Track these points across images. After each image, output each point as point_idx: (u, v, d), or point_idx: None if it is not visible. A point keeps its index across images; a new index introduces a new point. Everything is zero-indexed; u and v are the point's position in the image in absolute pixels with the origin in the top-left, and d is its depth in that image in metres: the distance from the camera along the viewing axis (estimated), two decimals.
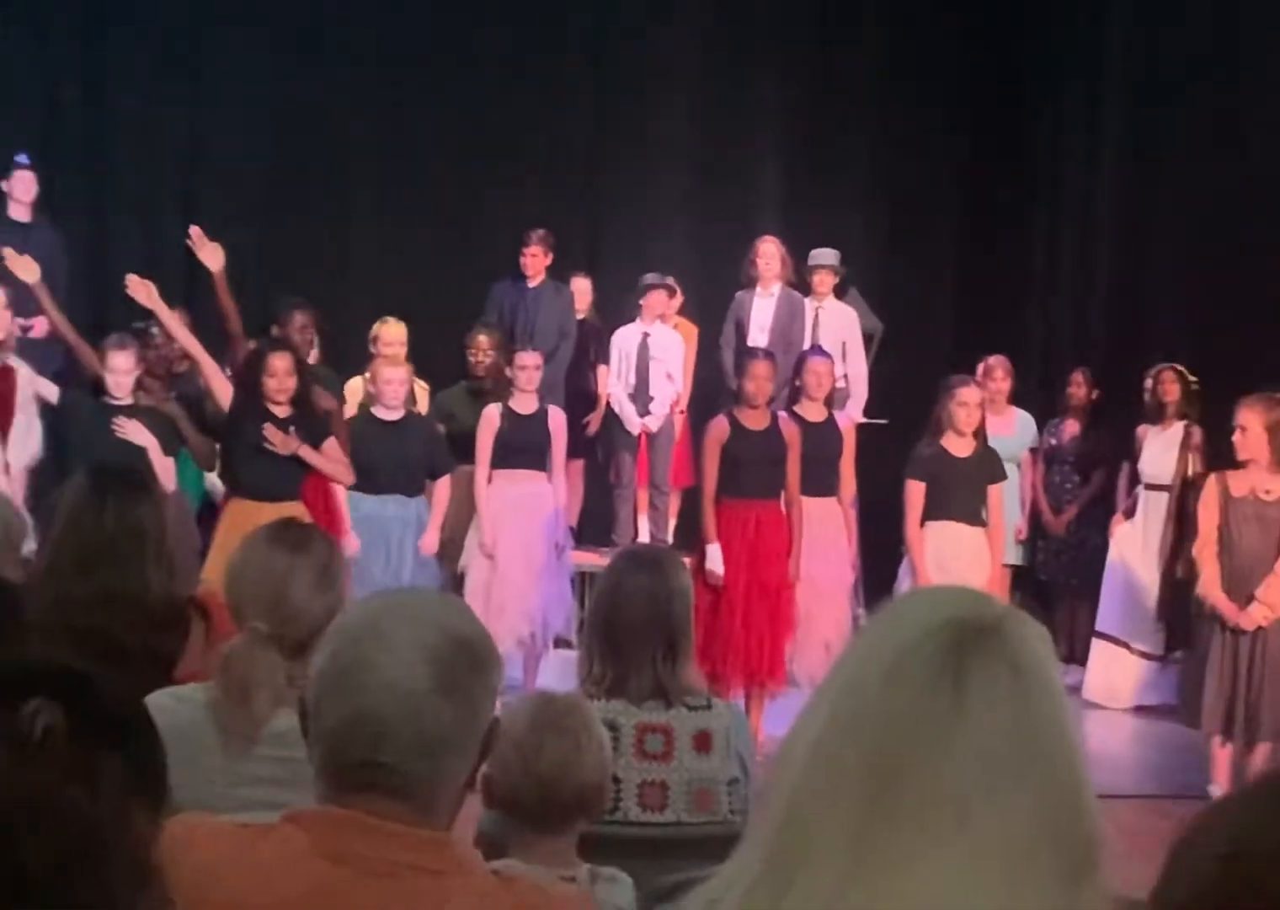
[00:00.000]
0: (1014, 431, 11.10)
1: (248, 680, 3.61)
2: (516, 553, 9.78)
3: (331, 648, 2.28)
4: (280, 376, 8.63)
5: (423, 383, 10.64)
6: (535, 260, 11.84)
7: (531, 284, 11.90)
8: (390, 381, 9.76)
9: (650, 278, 12.13)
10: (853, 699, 1.75)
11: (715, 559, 9.09)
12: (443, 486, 9.82)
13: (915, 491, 9.28)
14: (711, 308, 12.54)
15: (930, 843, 1.66)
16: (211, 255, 9.25)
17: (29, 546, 5.13)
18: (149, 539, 4.36)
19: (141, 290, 8.93)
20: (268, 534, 3.85)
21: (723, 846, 1.84)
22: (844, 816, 1.69)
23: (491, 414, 9.89)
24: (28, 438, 8.60)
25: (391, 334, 10.41)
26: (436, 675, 2.21)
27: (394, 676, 2.19)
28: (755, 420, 9.28)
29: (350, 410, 9.98)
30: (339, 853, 2.18)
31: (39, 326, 10.65)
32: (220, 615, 4.33)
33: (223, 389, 8.87)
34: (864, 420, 11.58)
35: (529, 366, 10.05)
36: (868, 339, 12.30)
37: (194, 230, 9.32)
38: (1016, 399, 11.41)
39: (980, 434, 9.37)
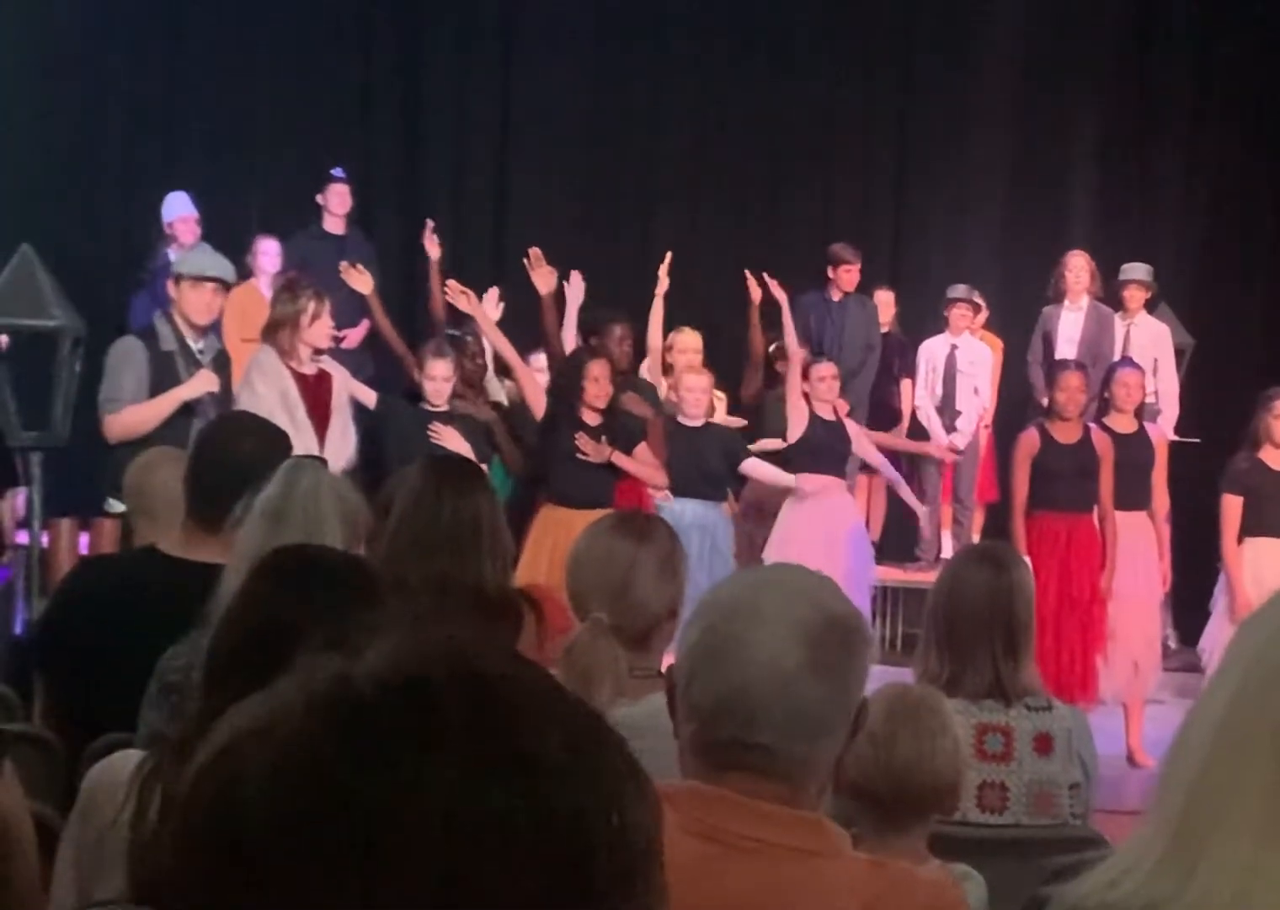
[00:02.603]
0: None
1: (590, 670, 3.60)
2: (818, 564, 9.72)
3: (705, 623, 2.26)
4: (600, 382, 8.75)
5: (720, 393, 10.68)
6: (851, 275, 11.80)
7: (837, 297, 11.86)
8: (692, 389, 9.83)
9: (957, 290, 12.04)
10: (1262, 674, 1.72)
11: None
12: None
13: (1232, 506, 9.05)
14: (1016, 322, 12.40)
15: None
16: (544, 278, 9.54)
17: None
18: (484, 530, 4.39)
19: (462, 298, 9.14)
20: (611, 523, 3.87)
21: (1062, 850, 1.82)
22: (1256, 790, 1.67)
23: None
24: (343, 442, 8.76)
25: (686, 341, 10.49)
26: (811, 654, 2.19)
27: (769, 654, 2.18)
28: (1066, 433, 9.14)
29: None
30: (710, 830, 2.17)
31: (352, 337, 10.92)
32: (551, 608, 4.38)
33: (537, 397, 9.01)
34: (1176, 438, 11.33)
35: (826, 377, 10.08)
36: (1179, 355, 12.07)
37: (533, 251, 9.57)
38: None
39: None
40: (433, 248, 10.46)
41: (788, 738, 2.18)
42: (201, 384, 7.66)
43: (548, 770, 0.97)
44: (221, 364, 7.95)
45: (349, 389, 8.80)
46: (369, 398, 9.16)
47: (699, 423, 9.83)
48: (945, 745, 3.35)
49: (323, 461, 4.47)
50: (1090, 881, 1.78)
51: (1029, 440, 9.20)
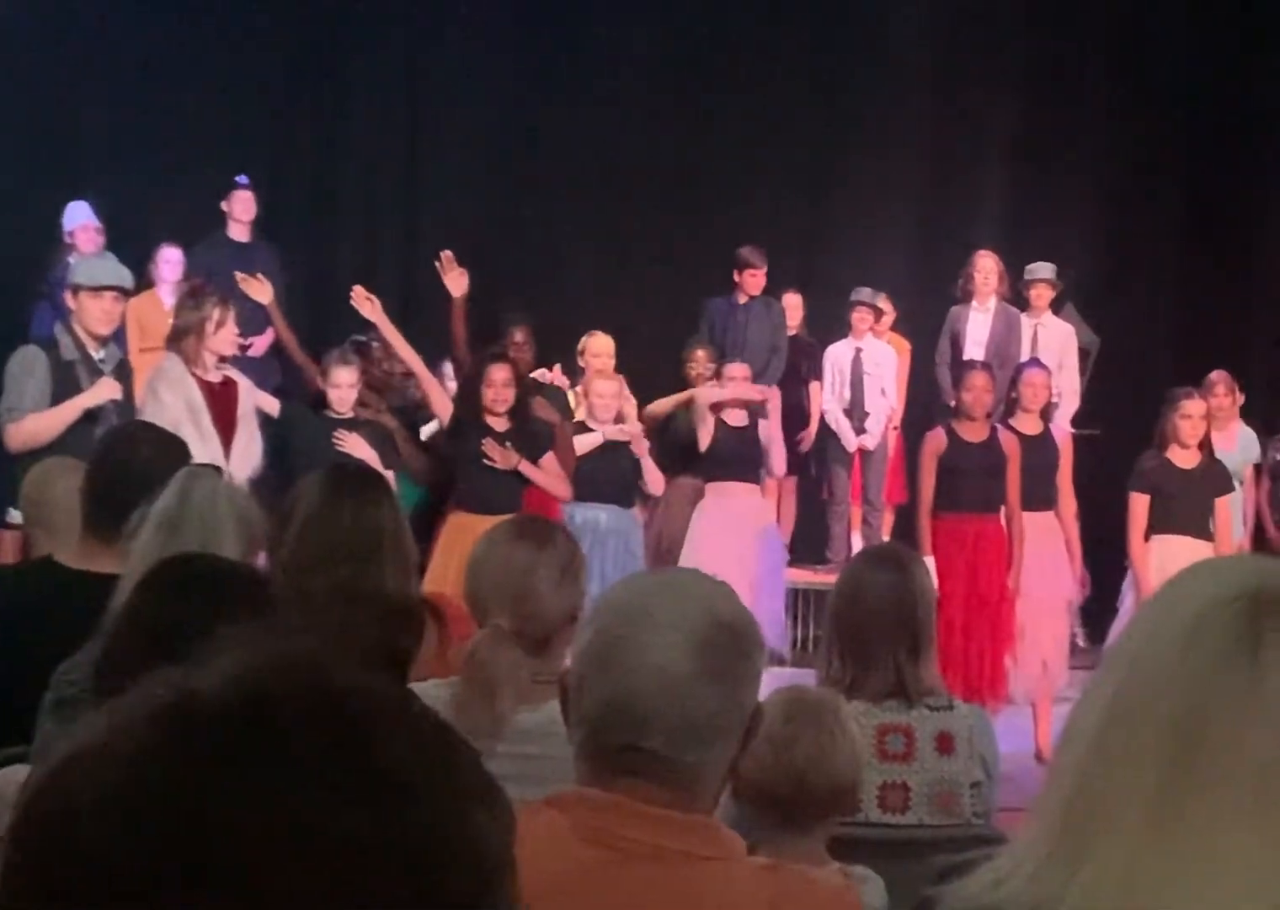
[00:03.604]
0: (1236, 447, 10.89)
1: (492, 677, 3.60)
2: (730, 567, 9.74)
3: (596, 627, 2.25)
4: (498, 387, 8.74)
5: (632, 397, 10.68)
6: (757, 279, 11.83)
7: (743, 300, 11.88)
8: (602, 394, 9.85)
9: (860, 293, 12.09)
10: (1147, 668, 1.72)
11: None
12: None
13: (1139, 504, 9.13)
14: (925, 323, 12.45)
15: (1231, 815, 1.63)
16: (456, 280, 9.47)
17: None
18: (386, 538, 4.37)
19: (366, 304, 9.10)
20: (510, 529, 3.86)
21: (964, 849, 1.81)
22: (1140, 788, 1.67)
23: None
24: (249, 450, 8.70)
25: (599, 346, 10.49)
26: (703, 659, 2.17)
27: (661, 658, 2.16)
28: (973, 432, 9.19)
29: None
30: (603, 836, 2.15)
31: (258, 345, 10.85)
32: (453, 617, 4.36)
33: (442, 404, 8.99)
34: (1074, 431, 11.40)
35: (738, 378, 10.12)
36: (1084, 354, 12.15)
37: (445, 254, 9.52)
38: (1240, 414, 11.19)
39: (1206, 446, 9.20)
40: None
41: (680, 743, 2.16)
42: (104, 392, 7.59)
43: (396, 785, 0.95)
44: (123, 373, 7.89)
45: (254, 398, 8.74)
46: (273, 406, 9.10)
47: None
48: (844, 746, 3.36)
49: (219, 470, 4.43)
50: (975, 882, 1.77)
51: (936, 440, 9.24)
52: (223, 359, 8.36)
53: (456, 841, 0.96)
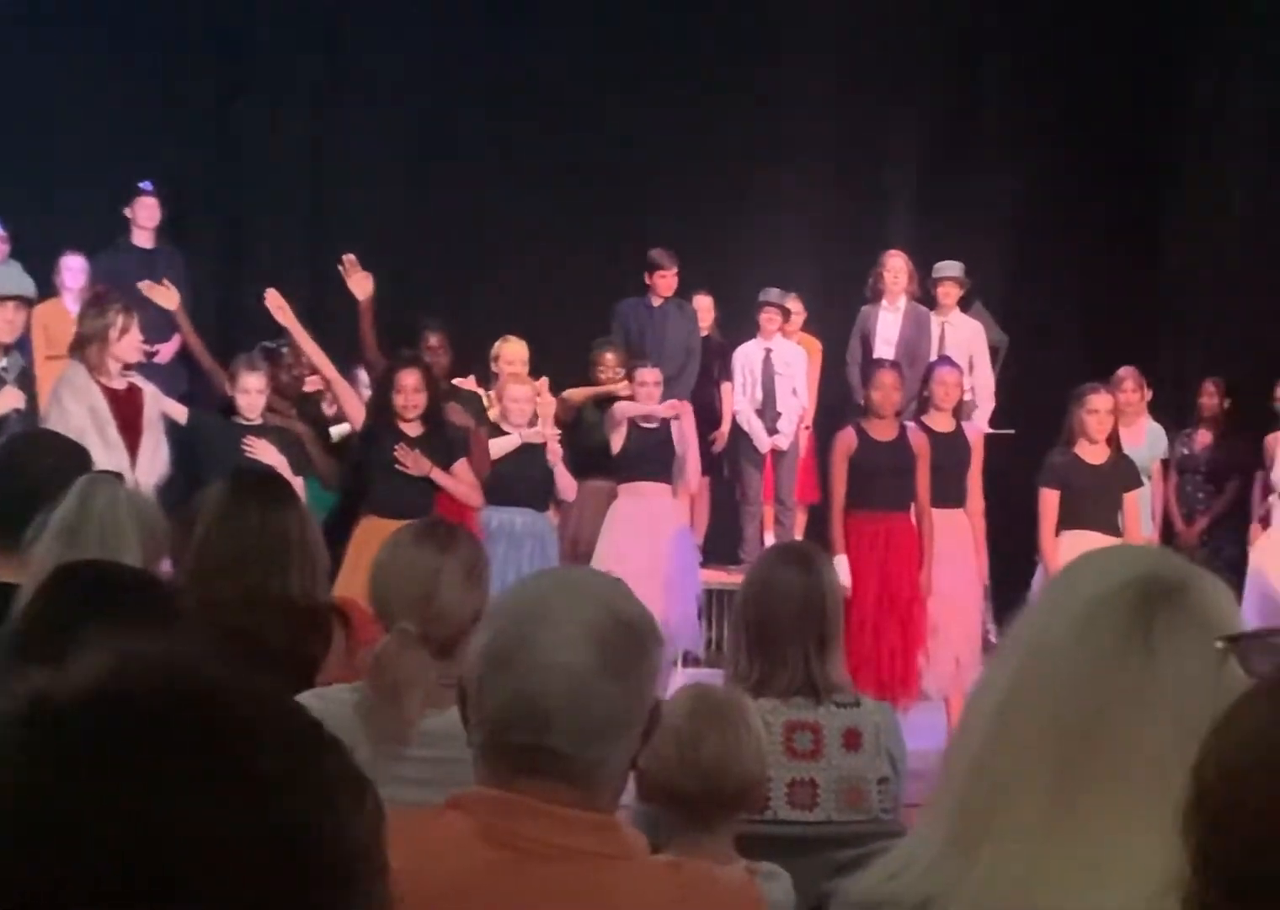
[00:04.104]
0: (1144, 443, 10.96)
1: (399, 681, 3.60)
2: (644, 568, 9.74)
3: (495, 627, 2.23)
4: (408, 392, 8.71)
5: (551, 398, 10.67)
6: (668, 281, 11.83)
7: (656, 302, 11.88)
8: (517, 399, 9.84)
9: (768, 294, 12.12)
10: (1040, 659, 1.72)
11: (842, 571, 9.00)
12: None
13: (1049, 499, 9.15)
14: (836, 323, 12.49)
15: (1127, 807, 1.63)
16: (360, 284, 9.44)
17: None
18: (293, 543, 4.37)
19: (279, 310, 9.04)
20: (414, 533, 3.85)
21: (872, 845, 1.82)
22: (1034, 781, 1.67)
23: None
24: (155, 457, 8.65)
25: (512, 351, 10.47)
26: (603, 656, 2.16)
27: (560, 657, 2.15)
28: (883, 431, 9.21)
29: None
30: (503, 836, 2.14)
31: (165, 352, 10.78)
32: (360, 621, 4.34)
33: (355, 409, 8.95)
34: (991, 430, 11.47)
35: (649, 383, 10.14)
36: (993, 352, 12.22)
37: (347, 258, 9.48)
38: (1148, 410, 11.27)
39: (1114, 441, 9.24)
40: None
41: (581, 740, 2.15)
42: (6, 401, 7.54)
43: (259, 781, 0.94)
44: (26, 382, 7.84)
45: (160, 404, 8.69)
46: (180, 413, 9.04)
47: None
48: (750, 743, 3.36)
49: (121, 477, 4.39)
50: (872, 875, 1.77)
51: (846, 439, 9.25)
52: (128, 366, 8.31)
53: (321, 836, 0.95)
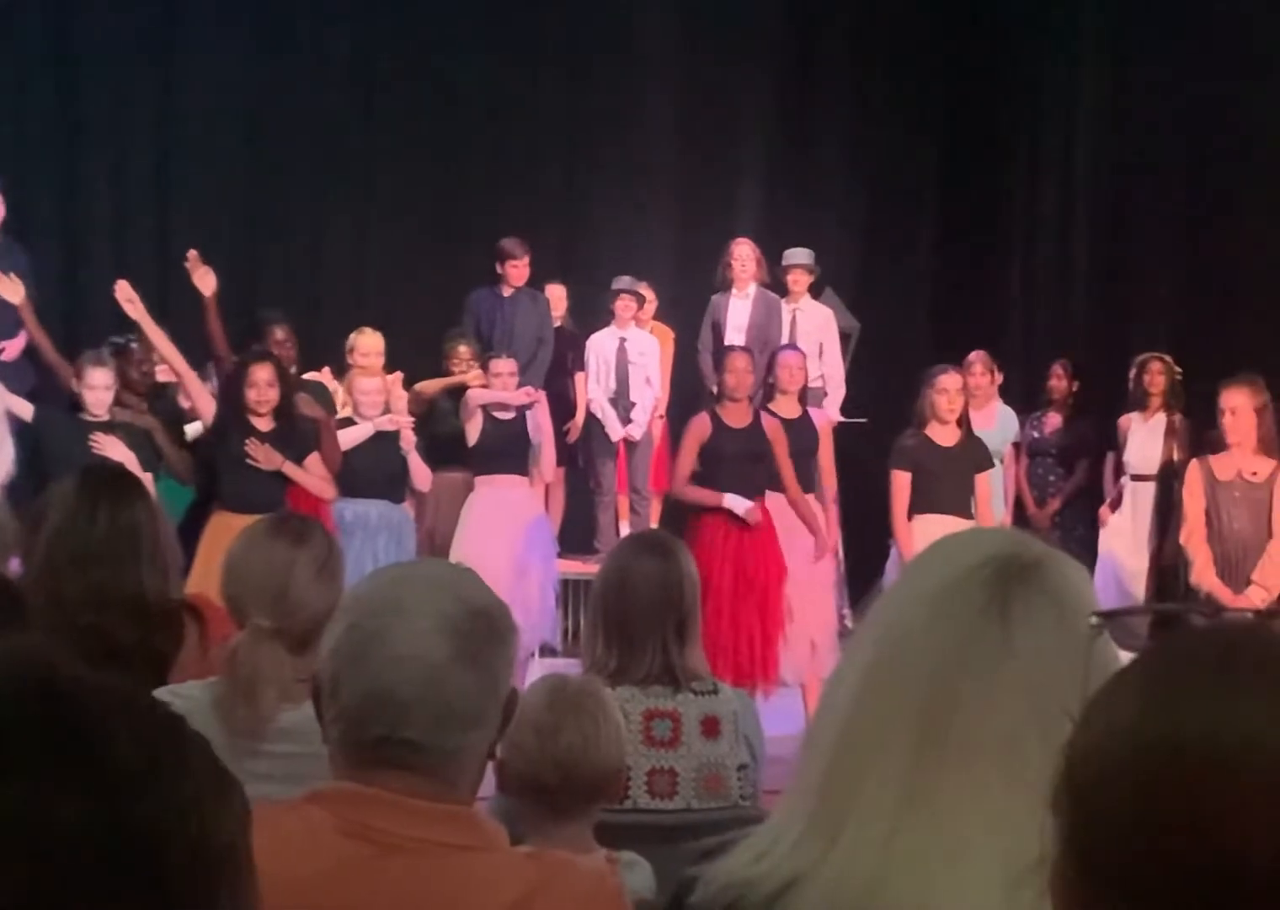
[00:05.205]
0: (995, 426, 11.04)
1: (254, 676, 3.59)
2: (501, 559, 9.72)
3: (348, 621, 2.23)
4: (261, 387, 8.64)
5: (404, 392, 10.62)
6: (519, 270, 11.80)
7: (507, 292, 11.85)
8: (366, 392, 9.81)
9: (621, 282, 12.11)
10: (898, 638, 1.73)
11: (737, 502, 8.95)
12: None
13: (900, 482, 9.15)
14: (688, 311, 12.51)
15: (983, 783, 1.64)
16: (204, 279, 9.35)
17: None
18: (143, 539, 4.32)
19: (129, 304, 8.91)
20: (266, 527, 3.82)
21: (733, 832, 1.82)
22: (894, 758, 1.67)
23: None
24: (1, 455, 8.55)
25: (368, 344, 10.41)
26: (456, 646, 2.17)
27: (414, 648, 2.15)
28: (737, 417, 9.20)
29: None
30: (361, 830, 2.14)
31: (11, 349, 10.61)
32: (213, 618, 4.30)
33: (205, 403, 8.86)
34: (843, 419, 11.53)
35: (504, 373, 10.12)
36: (845, 338, 12.30)
37: (191, 254, 9.40)
38: (999, 394, 11.38)
39: (964, 423, 9.29)
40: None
41: (437, 731, 2.15)
42: None
43: (118, 777, 0.93)
44: None
45: (5, 402, 8.57)
46: (26, 410, 8.92)
47: None
48: (608, 732, 3.36)
49: None
50: (736, 857, 1.77)
51: (700, 425, 9.22)
52: None
53: (182, 831, 0.93)
